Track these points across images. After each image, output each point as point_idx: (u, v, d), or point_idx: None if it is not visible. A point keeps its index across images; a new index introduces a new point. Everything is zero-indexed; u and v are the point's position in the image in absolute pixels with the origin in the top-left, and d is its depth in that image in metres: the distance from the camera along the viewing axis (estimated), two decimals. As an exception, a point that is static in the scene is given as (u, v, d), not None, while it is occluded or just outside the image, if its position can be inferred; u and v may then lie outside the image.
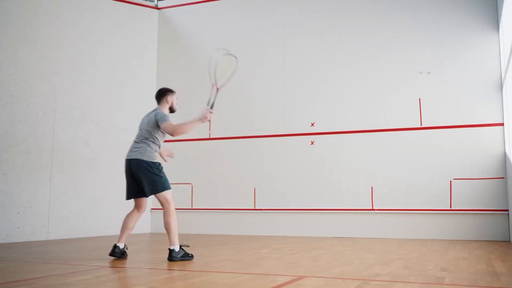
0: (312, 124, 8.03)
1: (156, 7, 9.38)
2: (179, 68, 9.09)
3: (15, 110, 7.05)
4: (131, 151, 4.73)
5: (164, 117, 4.67)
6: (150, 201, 8.28)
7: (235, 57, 4.88)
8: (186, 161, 8.66)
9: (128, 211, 4.89)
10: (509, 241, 6.60)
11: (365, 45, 7.85)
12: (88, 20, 8.25)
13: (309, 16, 8.29)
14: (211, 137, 8.63)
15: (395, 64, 7.65)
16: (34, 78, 7.33)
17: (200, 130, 8.70)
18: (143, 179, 4.61)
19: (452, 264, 4.29)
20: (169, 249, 4.60)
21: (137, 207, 4.82)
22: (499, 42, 7.10)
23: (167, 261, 4.56)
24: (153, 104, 5.00)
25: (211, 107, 4.71)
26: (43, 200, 7.24)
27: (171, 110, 4.95)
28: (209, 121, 4.81)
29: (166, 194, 4.65)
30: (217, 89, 4.81)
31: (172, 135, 4.69)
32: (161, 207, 4.73)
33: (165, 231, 4.68)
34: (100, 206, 7.94)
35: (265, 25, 8.58)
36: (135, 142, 4.76)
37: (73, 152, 7.70)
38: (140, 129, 4.78)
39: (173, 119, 4.79)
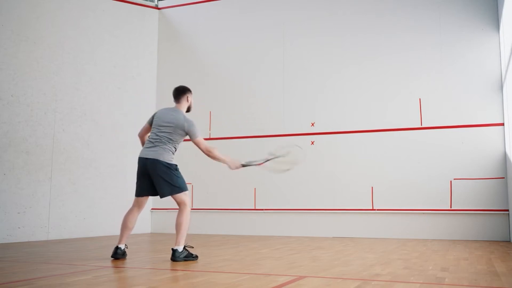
0: (312, 124, 8.02)
1: (156, 7, 9.38)
2: (179, 68, 9.08)
3: (15, 110, 7.05)
4: (148, 150, 4.64)
5: (196, 132, 4.75)
6: (151, 201, 8.29)
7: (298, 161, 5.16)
8: (186, 161, 8.64)
9: (127, 211, 4.84)
10: (510, 241, 6.59)
11: (365, 45, 7.84)
12: (88, 20, 8.25)
13: (309, 16, 8.29)
14: (211, 137, 8.63)
15: (395, 64, 7.65)
16: (34, 78, 7.33)
17: (200, 130, 8.69)
18: (160, 180, 4.58)
19: (453, 264, 4.28)
20: (172, 249, 4.58)
21: (139, 206, 4.77)
22: (499, 42, 7.09)
23: (170, 261, 4.55)
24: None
25: (244, 165, 4.94)
26: (43, 200, 7.24)
27: (188, 109, 4.94)
28: (232, 169, 4.98)
29: (184, 195, 4.67)
30: (261, 164, 4.97)
31: (205, 153, 4.79)
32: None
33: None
34: (100, 206, 7.94)
35: (265, 25, 8.57)
36: (154, 141, 4.65)
37: (73, 152, 7.69)
38: (162, 131, 4.67)
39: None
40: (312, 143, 7.98)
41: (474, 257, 4.86)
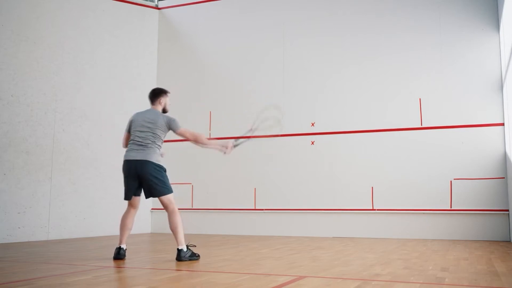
0: (313, 124, 8.02)
1: (156, 7, 9.38)
2: (179, 68, 9.09)
3: (15, 110, 7.05)
4: (135, 151, 4.64)
5: (178, 123, 4.75)
6: (151, 201, 8.29)
7: (279, 121, 5.17)
8: (186, 161, 8.66)
9: (124, 212, 4.86)
10: (510, 241, 6.60)
11: (365, 45, 7.84)
12: (88, 20, 8.25)
13: (309, 16, 8.28)
14: (211, 137, 8.63)
15: (395, 64, 7.65)
16: (34, 78, 7.33)
17: (200, 130, 8.70)
18: (151, 181, 4.59)
19: (453, 264, 4.28)
20: (178, 249, 4.59)
21: (134, 206, 4.80)
22: (499, 42, 7.10)
23: (170, 261, 4.55)
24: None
25: (235, 145, 4.96)
26: (43, 200, 7.23)
27: (164, 111, 4.93)
28: (225, 153, 4.99)
29: (171, 196, 4.71)
30: (249, 137, 5.04)
31: (193, 141, 4.81)
32: (162, 207, 4.76)
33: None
34: (100, 206, 7.94)
35: (265, 25, 8.57)
36: (140, 143, 4.66)
37: (73, 152, 7.70)
38: (143, 131, 4.68)
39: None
40: (312, 143, 7.98)
41: (474, 257, 4.86)
